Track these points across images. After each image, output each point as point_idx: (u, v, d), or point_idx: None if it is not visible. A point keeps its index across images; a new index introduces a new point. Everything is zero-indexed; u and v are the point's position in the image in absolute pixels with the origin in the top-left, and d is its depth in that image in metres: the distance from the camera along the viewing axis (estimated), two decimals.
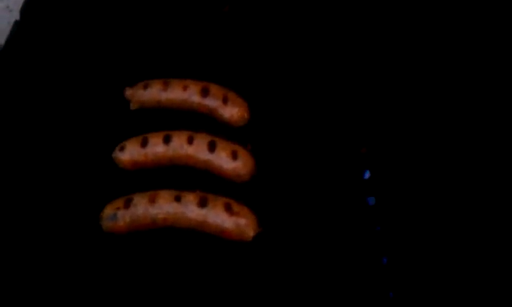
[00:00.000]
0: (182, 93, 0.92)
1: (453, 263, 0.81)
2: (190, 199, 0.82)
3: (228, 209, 0.81)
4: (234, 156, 0.86)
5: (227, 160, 0.86)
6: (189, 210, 0.81)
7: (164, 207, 0.82)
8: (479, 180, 0.87)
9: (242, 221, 0.81)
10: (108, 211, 0.82)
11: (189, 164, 0.87)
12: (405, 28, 1.00)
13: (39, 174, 0.87)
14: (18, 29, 0.98)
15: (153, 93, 0.93)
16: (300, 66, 0.99)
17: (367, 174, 0.89)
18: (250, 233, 0.81)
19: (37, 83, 0.96)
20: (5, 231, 0.82)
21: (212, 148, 0.86)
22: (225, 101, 0.92)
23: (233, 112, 0.91)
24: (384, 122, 0.93)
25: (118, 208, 0.82)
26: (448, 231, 0.83)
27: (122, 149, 0.87)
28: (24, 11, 1.02)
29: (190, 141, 0.87)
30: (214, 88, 0.92)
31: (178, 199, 0.82)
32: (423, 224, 0.84)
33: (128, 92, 0.94)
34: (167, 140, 0.87)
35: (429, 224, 0.84)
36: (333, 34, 1.01)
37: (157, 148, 0.87)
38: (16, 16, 1.04)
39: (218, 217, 0.81)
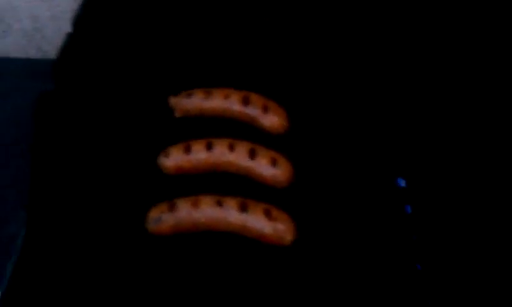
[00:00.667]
0: (224, 102, 0.96)
1: (486, 270, 0.82)
2: (231, 204, 0.85)
3: (268, 214, 0.84)
4: (273, 163, 0.89)
5: (267, 167, 0.89)
6: (230, 214, 0.85)
7: (206, 211, 0.85)
8: None
9: (281, 226, 0.84)
10: (153, 214, 0.86)
11: (230, 170, 0.90)
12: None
13: (89, 178, 0.92)
14: (71, 40, 1.04)
15: (196, 102, 0.97)
16: (339, 75, 1.01)
17: (404, 183, 0.91)
18: (288, 237, 0.84)
19: (87, 93, 1.01)
20: (54, 233, 0.87)
21: (252, 155, 0.90)
22: (265, 110, 0.95)
23: (273, 120, 0.95)
24: (423, 132, 0.95)
25: (163, 212, 0.86)
26: (482, 237, 0.85)
27: (167, 155, 0.92)
28: (75, 22, 1.07)
29: (231, 148, 0.90)
30: (254, 97, 0.96)
31: (219, 203, 0.86)
32: (460, 233, 0.86)
33: (173, 101, 0.98)
34: (209, 147, 0.91)
35: (466, 232, 0.86)
36: (378, 46, 1.03)
37: (199, 155, 0.91)
38: (60, 24, 1.09)
39: (258, 222, 0.84)
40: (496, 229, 0.85)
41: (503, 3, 1.03)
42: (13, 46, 1.57)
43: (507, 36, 1.02)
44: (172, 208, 0.86)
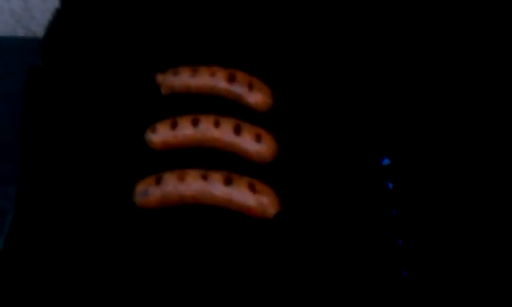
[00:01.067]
0: (210, 79, 0.97)
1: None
2: (216, 177, 0.87)
3: (252, 188, 0.86)
4: (258, 139, 0.91)
5: (251, 143, 0.91)
6: (215, 187, 0.87)
7: (191, 185, 0.87)
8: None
9: (265, 199, 0.86)
10: (140, 187, 0.88)
11: (215, 145, 0.92)
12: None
13: (77, 154, 0.93)
14: (58, 16, 1.04)
15: (183, 79, 0.98)
16: (325, 53, 1.03)
17: (387, 161, 0.93)
18: (272, 211, 0.86)
19: (75, 70, 1.02)
20: (44, 208, 0.89)
21: (237, 131, 0.92)
22: (250, 87, 0.97)
23: (257, 97, 0.97)
24: (407, 113, 0.96)
25: (150, 185, 0.88)
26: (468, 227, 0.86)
27: (154, 131, 0.93)
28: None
29: (217, 124, 0.92)
30: (240, 75, 0.98)
31: (205, 177, 0.88)
32: (441, 212, 0.88)
33: (160, 78, 1.00)
34: (195, 123, 0.92)
35: (448, 214, 0.88)
36: (365, 24, 1.04)
37: (185, 130, 0.92)
38: (49, 5, 1.09)
39: (242, 195, 0.86)
40: (483, 221, 0.87)
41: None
42: (2, 26, 1.57)
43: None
44: (159, 181, 0.88)
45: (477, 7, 1.05)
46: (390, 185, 0.91)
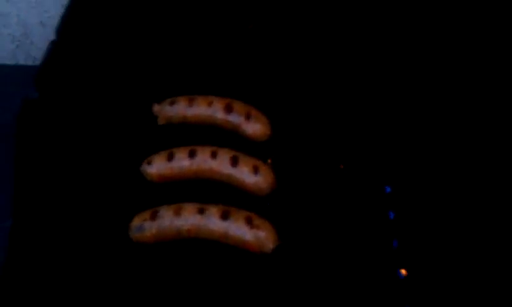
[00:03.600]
0: (207, 109, 0.96)
1: (468, 275, 0.83)
2: (213, 212, 0.86)
3: (249, 222, 0.85)
4: (255, 170, 0.90)
5: (249, 175, 0.90)
6: (212, 222, 0.85)
7: (188, 219, 0.86)
8: (500, 194, 0.88)
9: (263, 234, 0.85)
10: (136, 222, 0.87)
11: (212, 177, 0.91)
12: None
13: (70, 185, 0.92)
14: (54, 48, 1.04)
15: (180, 109, 0.97)
16: (323, 83, 1.02)
17: (389, 189, 0.91)
18: (270, 245, 0.85)
19: (70, 100, 1.01)
20: (37, 240, 0.88)
21: (234, 162, 0.90)
22: (248, 117, 0.95)
23: (255, 128, 0.95)
24: (409, 140, 0.95)
25: (145, 220, 0.87)
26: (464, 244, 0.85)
27: (150, 163, 0.92)
28: (59, 30, 1.08)
29: (213, 155, 0.91)
30: (237, 105, 0.96)
31: (201, 211, 0.86)
32: (441, 238, 0.86)
33: (156, 108, 0.99)
34: (192, 154, 0.91)
35: (448, 236, 0.86)
36: (362, 54, 1.04)
37: (182, 162, 0.91)
38: (49, 31, 1.09)
39: (239, 229, 0.85)
40: (478, 234, 0.86)
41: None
42: (1, 52, 1.57)
43: (489, 38, 1.03)
44: (154, 216, 0.87)
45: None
46: (392, 215, 0.89)
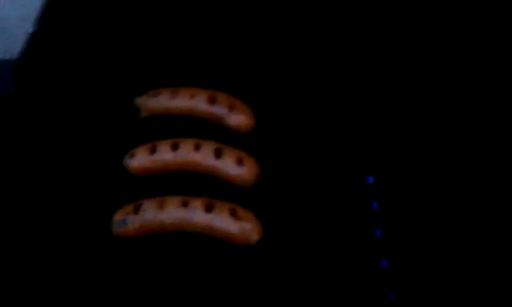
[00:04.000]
0: (190, 101, 0.95)
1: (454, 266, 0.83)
2: (197, 204, 0.85)
3: (233, 214, 0.84)
4: (239, 162, 0.89)
5: (233, 167, 0.89)
6: (196, 215, 0.84)
7: (171, 212, 0.85)
8: (486, 185, 0.88)
9: (247, 226, 0.84)
10: (118, 216, 0.86)
11: (196, 170, 0.90)
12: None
13: (51, 180, 0.91)
14: (33, 40, 1.02)
15: (162, 101, 0.96)
16: (308, 74, 1.01)
17: (371, 179, 0.91)
18: (254, 237, 0.84)
19: (50, 93, 0.99)
20: (17, 235, 0.86)
21: (218, 154, 0.89)
22: (231, 108, 0.94)
23: (239, 119, 0.94)
24: (391, 127, 0.95)
25: (128, 214, 0.85)
26: (451, 235, 0.85)
27: (132, 156, 0.91)
28: (38, 22, 1.06)
29: (197, 147, 0.90)
30: (220, 96, 0.95)
31: (185, 204, 0.85)
32: (426, 229, 0.86)
33: (138, 100, 0.97)
34: (175, 147, 0.90)
35: (432, 228, 0.86)
36: (347, 43, 1.03)
37: (165, 155, 0.90)
38: (29, 26, 1.08)
39: (224, 221, 0.84)
40: (464, 224, 0.86)
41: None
42: None
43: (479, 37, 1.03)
44: (137, 210, 0.85)
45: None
46: (375, 205, 0.89)
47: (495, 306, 0.81)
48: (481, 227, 0.86)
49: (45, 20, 1.06)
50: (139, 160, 0.91)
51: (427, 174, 0.90)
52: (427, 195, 0.89)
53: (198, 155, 0.90)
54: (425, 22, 1.02)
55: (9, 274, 0.84)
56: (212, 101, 0.95)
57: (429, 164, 0.91)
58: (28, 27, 1.07)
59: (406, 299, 0.82)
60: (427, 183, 0.90)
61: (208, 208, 0.84)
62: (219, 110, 0.95)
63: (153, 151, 0.90)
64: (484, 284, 0.82)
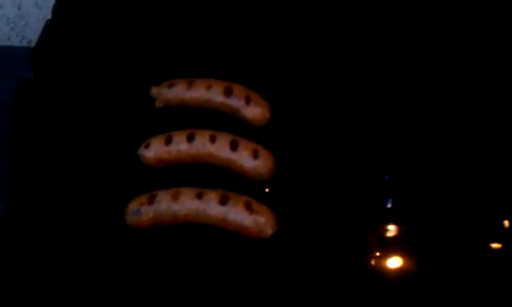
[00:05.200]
0: (206, 93, 0.95)
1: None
2: (211, 196, 0.85)
3: (248, 207, 0.84)
4: (255, 155, 0.88)
5: (248, 159, 0.88)
6: (210, 207, 0.84)
7: (186, 204, 0.85)
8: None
9: (262, 219, 0.83)
10: (132, 206, 0.86)
11: (211, 161, 0.89)
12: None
13: (66, 169, 0.91)
14: (50, 27, 1.02)
15: (178, 92, 0.95)
16: (325, 67, 1.00)
17: (387, 177, 0.90)
18: (269, 231, 0.84)
19: (66, 81, 0.99)
20: (32, 225, 0.86)
21: (233, 146, 0.89)
22: (248, 101, 0.94)
23: (255, 112, 0.93)
24: (408, 127, 0.94)
25: (142, 204, 0.85)
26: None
27: (147, 146, 0.90)
28: (55, 9, 1.06)
29: (212, 139, 0.89)
30: (237, 88, 0.95)
31: (200, 196, 0.85)
32: (440, 224, 0.86)
33: (154, 90, 0.97)
34: (190, 138, 0.90)
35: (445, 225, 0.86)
36: (365, 39, 1.02)
37: (180, 146, 0.90)
38: (45, 13, 1.08)
39: (238, 214, 0.83)
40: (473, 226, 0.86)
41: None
42: None
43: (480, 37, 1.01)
44: (152, 200, 0.85)
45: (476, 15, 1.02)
46: (389, 202, 0.89)
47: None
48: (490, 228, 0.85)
49: (62, 8, 1.06)
50: (155, 150, 0.90)
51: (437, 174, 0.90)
52: (438, 192, 0.88)
53: (213, 147, 0.89)
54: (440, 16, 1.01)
55: (24, 258, 0.84)
56: (228, 93, 0.94)
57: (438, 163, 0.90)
58: (44, 14, 1.07)
59: (420, 297, 0.82)
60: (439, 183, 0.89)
61: (223, 201, 0.84)
62: (235, 102, 0.94)
63: (168, 141, 0.90)
64: (496, 288, 0.81)
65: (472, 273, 0.82)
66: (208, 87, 0.95)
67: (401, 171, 0.91)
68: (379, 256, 0.84)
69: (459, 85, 0.95)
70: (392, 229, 0.86)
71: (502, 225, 0.85)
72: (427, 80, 0.96)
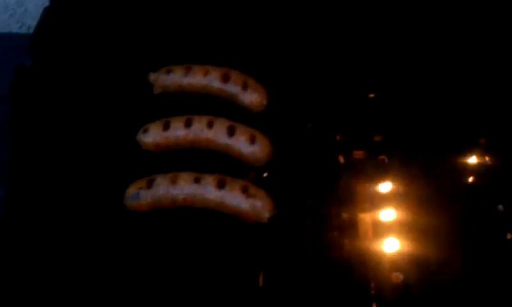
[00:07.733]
0: (203, 79, 0.95)
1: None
2: (209, 181, 0.86)
3: (245, 191, 0.85)
4: (252, 140, 0.89)
5: (245, 144, 0.89)
6: (208, 191, 0.85)
7: (184, 188, 0.86)
8: None
9: (259, 203, 0.84)
10: (131, 190, 0.87)
11: (208, 147, 0.90)
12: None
13: (65, 154, 0.92)
14: (48, 15, 1.02)
15: (176, 78, 0.96)
16: (321, 53, 1.01)
17: (386, 159, 0.91)
18: (266, 215, 0.85)
19: (64, 68, 1.00)
20: (31, 208, 0.87)
21: (231, 132, 0.90)
22: (245, 87, 0.94)
23: (252, 97, 0.94)
24: (405, 111, 0.95)
25: (141, 188, 0.86)
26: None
27: (145, 131, 0.91)
28: None
29: (210, 125, 0.90)
30: (234, 74, 0.95)
31: (197, 180, 0.86)
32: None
33: (152, 76, 0.98)
34: (188, 124, 0.90)
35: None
36: (362, 25, 1.03)
37: (178, 132, 0.90)
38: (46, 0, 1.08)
39: (235, 198, 0.84)
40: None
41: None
42: None
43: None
44: (150, 184, 0.86)
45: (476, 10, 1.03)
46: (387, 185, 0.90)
47: None
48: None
49: None
50: (153, 136, 0.91)
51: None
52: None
53: (210, 132, 0.90)
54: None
55: (27, 243, 0.85)
56: (225, 79, 0.95)
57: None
58: (44, 1, 1.07)
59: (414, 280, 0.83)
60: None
61: (221, 185, 0.85)
62: (232, 88, 0.95)
63: (166, 127, 0.91)
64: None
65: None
66: (206, 74, 0.95)
67: (398, 155, 0.92)
68: (373, 240, 0.85)
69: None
70: (386, 214, 0.87)
71: None
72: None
